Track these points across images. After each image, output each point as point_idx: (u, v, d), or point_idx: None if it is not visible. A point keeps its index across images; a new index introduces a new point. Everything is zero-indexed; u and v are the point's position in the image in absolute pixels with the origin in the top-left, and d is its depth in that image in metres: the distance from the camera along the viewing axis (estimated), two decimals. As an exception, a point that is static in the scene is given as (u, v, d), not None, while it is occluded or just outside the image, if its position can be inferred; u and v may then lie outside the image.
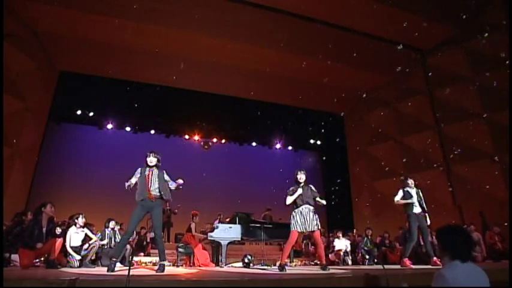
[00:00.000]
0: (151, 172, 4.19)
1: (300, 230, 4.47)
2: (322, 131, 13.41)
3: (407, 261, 5.21)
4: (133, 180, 4.12)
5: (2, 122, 7.16)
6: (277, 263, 4.82)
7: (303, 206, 4.50)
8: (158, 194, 4.12)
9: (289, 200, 4.56)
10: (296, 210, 4.52)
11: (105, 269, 4.08)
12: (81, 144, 11.60)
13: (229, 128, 13.18)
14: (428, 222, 5.37)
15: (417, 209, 5.33)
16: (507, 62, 7.25)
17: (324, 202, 4.69)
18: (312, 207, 4.52)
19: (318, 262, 4.67)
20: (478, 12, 8.10)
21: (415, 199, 5.38)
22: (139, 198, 4.07)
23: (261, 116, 11.99)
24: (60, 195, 9.78)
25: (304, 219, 4.45)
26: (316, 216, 4.52)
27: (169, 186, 4.29)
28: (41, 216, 4.98)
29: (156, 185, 4.13)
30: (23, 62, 8.23)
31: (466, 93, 8.67)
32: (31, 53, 8.54)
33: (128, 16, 8.20)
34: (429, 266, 5.09)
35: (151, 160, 4.24)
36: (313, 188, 4.73)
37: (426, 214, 5.40)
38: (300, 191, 4.52)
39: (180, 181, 4.29)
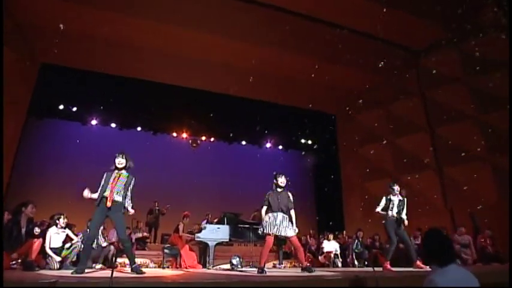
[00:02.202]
0: (118, 177, 3.91)
1: (271, 232, 4.41)
2: (314, 130, 13.37)
3: (387, 264, 5.28)
4: (94, 195, 3.86)
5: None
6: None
7: (278, 213, 4.47)
8: (120, 200, 3.86)
9: (263, 212, 4.56)
10: (269, 214, 4.50)
11: (87, 271, 3.91)
12: (63, 140, 11.15)
13: (218, 126, 12.92)
14: (406, 223, 5.45)
15: (393, 214, 5.38)
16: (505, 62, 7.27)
17: (293, 218, 4.59)
18: (286, 216, 4.49)
19: (301, 265, 4.69)
20: (472, 14, 8.14)
21: (395, 207, 5.42)
22: (97, 202, 3.84)
23: (251, 115, 11.84)
24: (41, 194, 9.35)
25: (275, 222, 4.41)
26: (291, 223, 4.51)
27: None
28: (20, 216, 4.74)
29: (119, 194, 3.86)
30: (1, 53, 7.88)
31: (458, 94, 8.68)
32: (10, 43, 8.10)
33: (115, 9, 7.90)
34: (411, 269, 5.16)
35: (120, 161, 3.96)
36: (291, 196, 4.67)
37: (404, 220, 5.43)
38: (270, 217, 4.48)
39: (132, 211, 4.02)
